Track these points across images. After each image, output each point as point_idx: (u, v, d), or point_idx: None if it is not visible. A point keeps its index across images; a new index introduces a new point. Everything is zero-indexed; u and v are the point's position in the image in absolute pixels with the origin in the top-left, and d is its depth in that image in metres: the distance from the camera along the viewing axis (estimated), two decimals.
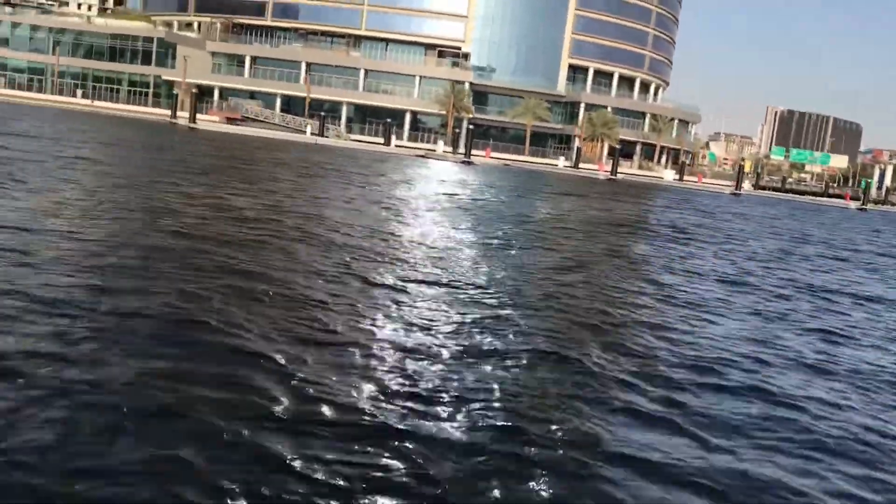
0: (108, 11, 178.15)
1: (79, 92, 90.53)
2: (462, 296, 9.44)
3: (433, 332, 7.54)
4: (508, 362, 6.85)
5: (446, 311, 8.52)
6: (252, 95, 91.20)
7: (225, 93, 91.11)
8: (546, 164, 79.67)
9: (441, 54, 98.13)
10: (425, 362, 6.57)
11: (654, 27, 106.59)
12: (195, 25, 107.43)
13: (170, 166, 25.09)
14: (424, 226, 16.44)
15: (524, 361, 6.94)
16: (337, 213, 16.54)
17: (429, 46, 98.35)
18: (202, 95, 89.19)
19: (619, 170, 72.92)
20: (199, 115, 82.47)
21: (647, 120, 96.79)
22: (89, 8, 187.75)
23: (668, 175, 79.56)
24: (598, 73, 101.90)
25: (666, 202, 40.86)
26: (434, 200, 23.35)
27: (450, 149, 75.84)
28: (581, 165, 77.14)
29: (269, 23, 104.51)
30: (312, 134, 74.98)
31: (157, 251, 10.11)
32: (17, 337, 5.96)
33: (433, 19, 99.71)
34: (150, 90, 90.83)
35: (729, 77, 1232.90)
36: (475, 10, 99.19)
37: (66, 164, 21.13)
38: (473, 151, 74.97)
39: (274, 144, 54.02)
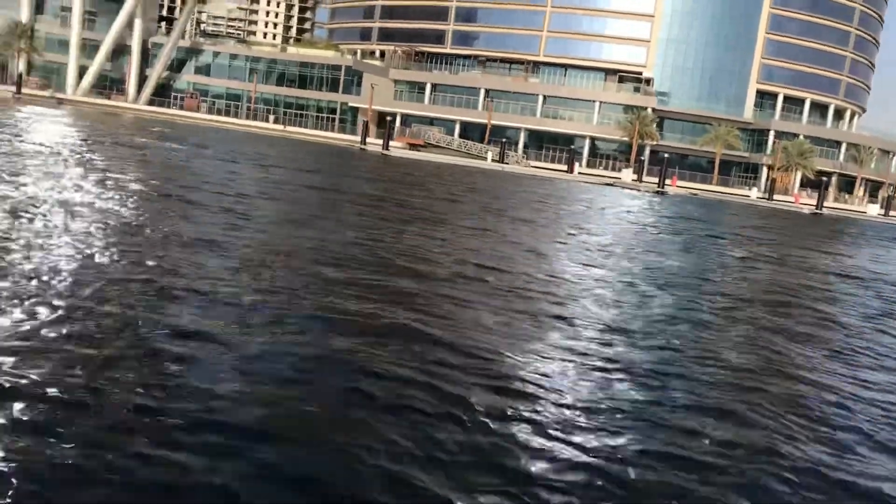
0: (294, 41, 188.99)
1: (271, 117, 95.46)
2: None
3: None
4: None
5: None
6: (431, 121, 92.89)
7: (406, 119, 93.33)
8: (735, 194, 75.73)
9: (621, 79, 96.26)
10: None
11: (852, 50, 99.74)
12: (377, 53, 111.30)
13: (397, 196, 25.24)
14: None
15: None
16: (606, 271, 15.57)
17: (608, 71, 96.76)
18: (383, 121, 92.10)
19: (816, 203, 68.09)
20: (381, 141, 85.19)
21: (842, 149, 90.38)
22: (274, 37, 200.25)
23: (872, 209, 73.57)
24: (787, 98, 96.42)
25: None
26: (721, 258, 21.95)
27: (634, 176, 73.75)
28: (774, 197, 72.72)
29: (448, 50, 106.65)
30: (493, 160, 75.08)
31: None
32: None
33: (613, 44, 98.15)
34: (337, 116, 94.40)
35: None
36: (658, 35, 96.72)
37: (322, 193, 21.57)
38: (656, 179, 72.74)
39: (463, 171, 54.25)
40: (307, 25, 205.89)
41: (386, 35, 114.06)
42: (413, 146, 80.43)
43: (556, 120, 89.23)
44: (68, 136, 32.17)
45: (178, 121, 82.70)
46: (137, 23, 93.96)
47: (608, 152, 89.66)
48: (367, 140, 77.08)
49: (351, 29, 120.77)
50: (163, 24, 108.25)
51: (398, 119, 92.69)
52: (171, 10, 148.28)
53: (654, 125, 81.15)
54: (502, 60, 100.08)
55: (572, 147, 78.97)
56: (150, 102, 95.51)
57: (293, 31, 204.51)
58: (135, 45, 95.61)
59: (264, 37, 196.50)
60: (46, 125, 37.78)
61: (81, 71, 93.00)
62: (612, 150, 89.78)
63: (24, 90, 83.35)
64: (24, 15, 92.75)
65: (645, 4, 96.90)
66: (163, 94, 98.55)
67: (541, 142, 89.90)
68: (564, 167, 78.42)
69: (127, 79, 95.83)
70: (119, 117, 69.38)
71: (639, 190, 59.83)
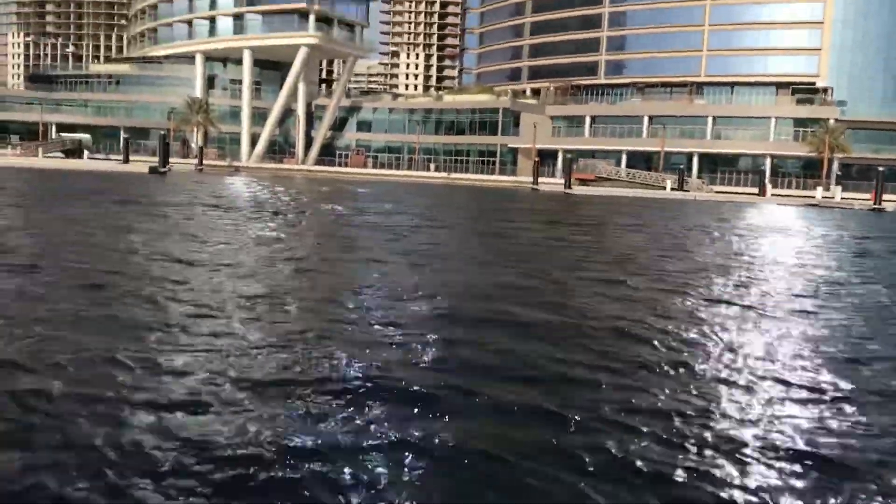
0: (436, 89, 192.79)
1: (432, 166, 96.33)
2: None
3: None
4: None
5: None
6: (593, 154, 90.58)
7: (566, 154, 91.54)
8: None
9: (794, 92, 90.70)
10: None
11: None
12: (528, 92, 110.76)
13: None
14: None
15: None
16: None
17: (779, 85, 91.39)
18: (544, 159, 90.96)
19: None
20: (549, 179, 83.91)
21: None
22: (416, 88, 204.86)
23: None
24: None
25: None
26: None
27: (827, 193, 68.52)
28: None
29: (602, 81, 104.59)
30: (672, 189, 71.90)
31: None
32: None
33: (780, 55, 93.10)
34: (497, 158, 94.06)
35: None
36: (829, 41, 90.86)
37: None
38: (855, 195, 67.26)
39: (655, 204, 51.66)
40: (446, 73, 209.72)
41: (536, 73, 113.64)
42: (584, 181, 78.43)
43: (730, 141, 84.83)
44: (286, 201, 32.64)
45: (348, 177, 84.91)
46: (301, 88, 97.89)
47: (790, 170, 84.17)
48: (542, 181, 75.96)
49: (499, 71, 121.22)
50: (322, 86, 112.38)
51: (560, 155, 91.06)
52: (328, 72, 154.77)
53: (845, 137, 75.25)
54: (662, 85, 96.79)
55: (763, 169, 74.56)
56: (318, 162, 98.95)
57: (433, 80, 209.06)
58: (300, 109, 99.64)
59: (405, 88, 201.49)
60: (259, 191, 38.74)
61: (253, 138, 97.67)
62: (795, 167, 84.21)
63: (204, 161, 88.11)
64: (198, 91, 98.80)
65: (812, 12, 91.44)
66: (327, 152, 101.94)
67: (714, 165, 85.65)
68: (748, 190, 74.08)
69: (296, 142, 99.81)
70: (302, 180, 71.69)
71: (852, 208, 55.12)
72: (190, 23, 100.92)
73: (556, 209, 41.96)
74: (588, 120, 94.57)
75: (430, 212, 33.61)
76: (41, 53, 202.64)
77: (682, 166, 77.44)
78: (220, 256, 14.25)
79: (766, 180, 70.61)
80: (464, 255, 17.50)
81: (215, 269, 12.58)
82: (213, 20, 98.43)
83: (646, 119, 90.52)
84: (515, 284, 12.61)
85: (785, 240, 25.70)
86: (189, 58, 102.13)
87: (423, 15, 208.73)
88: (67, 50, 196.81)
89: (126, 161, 72.98)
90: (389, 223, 24.62)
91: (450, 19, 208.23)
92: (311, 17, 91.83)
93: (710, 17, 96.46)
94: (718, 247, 21.74)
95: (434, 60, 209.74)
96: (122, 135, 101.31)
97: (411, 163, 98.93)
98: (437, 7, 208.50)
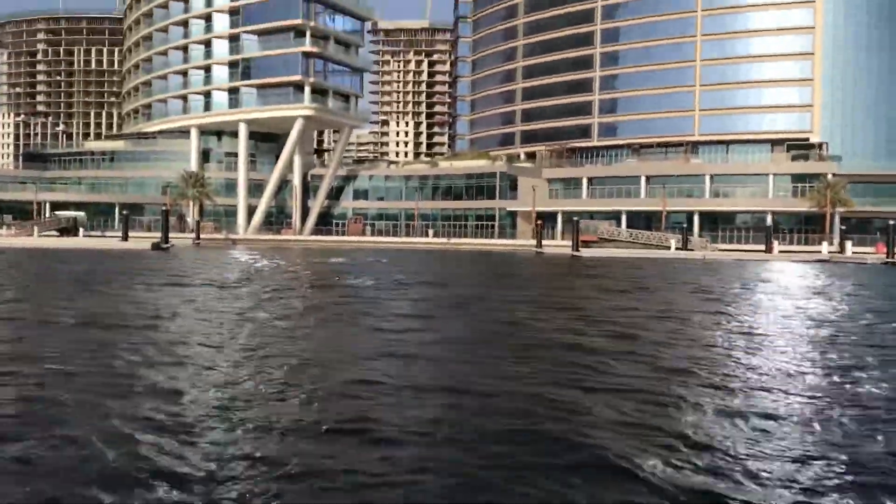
0: (426, 155, 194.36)
1: (430, 231, 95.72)
2: None
3: None
4: None
5: None
6: (591, 216, 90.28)
7: (566, 216, 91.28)
8: None
9: (789, 148, 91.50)
10: None
11: None
12: (521, 156, 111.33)
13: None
14: None
15: None
16: None
17: (774, 142, 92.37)
18: (543, 221, 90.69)
19: None
20: (550, 242, 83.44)
21: None
22: (406, 155, 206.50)
23: None
24: None
25: None
26: None
27: (832, 248, 68.26)
28: None
29: (595, 143, 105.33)
30: (677, 248, 71.41)
31: None
32: None
33: (772, 113, 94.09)
34: (496, 222, 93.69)
35: None
36: (820, 98, 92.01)
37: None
38: (858, 249, 67.20)
39: (673, 265, 50.90)
40: (435, 139, 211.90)
41: (529, 137, 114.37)
42: (586, 243, 77.89)
43: (730, 199, 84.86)
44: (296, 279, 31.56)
45: (350, 245, 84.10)
46: (297, 158, 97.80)
47: (789, 225, 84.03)
48: (546, 244, 75.44)
49: (492, 136, 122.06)
50: (315, 156, 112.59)
51: (559, 217, 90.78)
52: (319, 142, 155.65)
53: (847, 191, 75.37)
54: (658, 145, 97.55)
55: (769, 225, 74.31)
56: (315, 231, 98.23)
57: (423, 147, 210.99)
58: (296, 179, 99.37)
59: (395, 156, 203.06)
60: (273, 272, 37.66)
61: (249, 210, 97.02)
62: (794, 222, 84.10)
63: (201, 235, 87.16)
64: (194, 165, 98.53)
65: (801, 70, 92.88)
66: (324, 221, 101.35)
67: (714, 222, 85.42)
68: (751, 247, 73.74)
69: (294, 212, 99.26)
70: (304, 251, 70.73)
71: (865, 263, 54.60)
72: (185, 98, 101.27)
73: (578, 274, 41.04)
74: (585, 181, 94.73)
75: (447, 284, 32.58)
76: (31, 132, 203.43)
77: (684, 225, 77.09)
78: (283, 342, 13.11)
79: (772, 237, 70.09)
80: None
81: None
82: (208, 95, 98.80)
83: (643, 179, 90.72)
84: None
85: (842, 303, 24.75)
86: (183, 132, 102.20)
87: (411, 84, 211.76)
88: (58, 128, 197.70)
89: (125, 238, 71.84)
90: (416, 299, 23.49)
91: (437, 87, 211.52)
92: (307, 90, 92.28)
93: (700, 78, 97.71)
94: (811, 313, 20.70)
95: (423, 128, 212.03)
96: (120, 211, 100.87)
97: (409, 229, 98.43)
98: (424, 76, 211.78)
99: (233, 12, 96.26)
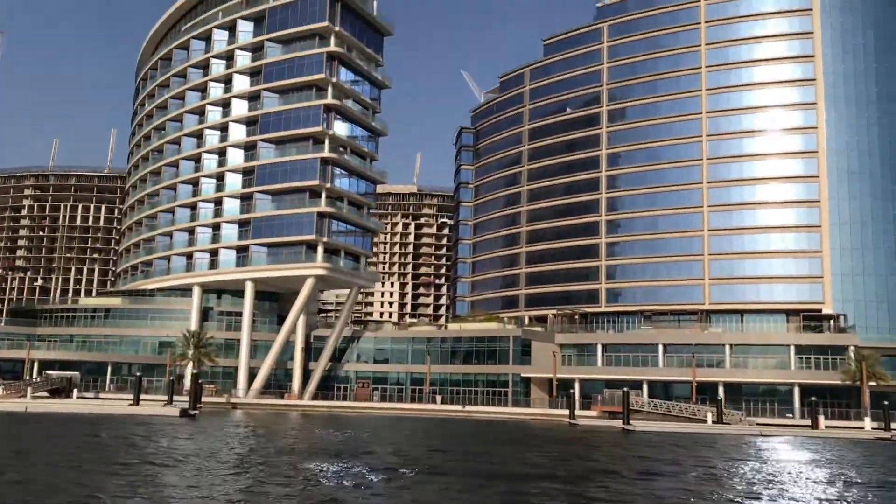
0: (410, 317, 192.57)
1: (438, 397, 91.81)
2: None
3: None
4: None
5: None
6: (606, 385, 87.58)
7: (582, 384, 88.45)
8: None
9: (804, 319, 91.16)
10: None
11: None
12: (526, 320, 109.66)
13: None
14: None
15: None
16: None
17: (790, 312, 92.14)
18: (556, 388, 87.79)
19: None
20: (566, 411, 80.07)
21: None
22: (391, 315, 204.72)
23: None
24: None
25: None
26: None
27: (874, 424, 66.01)
28: None
29: (604, 309, 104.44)
30: (714, 422, 68.54)
31: None
32: None
33: (784, 284, 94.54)
34: (510, 388, 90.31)
35: None
36: (830, 270, 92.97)
37: None
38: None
39: (738, 444, 47.89)
40: (420, 300, 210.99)
41: (534, 300, 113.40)
42: (612, 414, 74.80)
43: (755, 369, 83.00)
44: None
45: (367, 413, 79.99)
46: (301, 319, 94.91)
47: (814, 397, 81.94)
48: (557, 411, 72.16)
49: (493, 299, 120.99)
50: (318, 316, 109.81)
51: (577, 385, 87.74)
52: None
53: (880, 365, 74.08)
54: (672, 313, 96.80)
55: (814, 399, 72.09)
56: (315, 395, 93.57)
57: (408, 308, 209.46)
58: (299, 340, 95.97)
59: (381, 316, 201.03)
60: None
61: (250, 372, 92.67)
62: (819, 394, 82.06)
63: (203, 398, 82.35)
64: (194, 324, 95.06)
65: (809, 242, 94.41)
66: (325, 385, 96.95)
67: (738, 394, 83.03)
68: (791, 422, 71.27)
69: (295, 375, 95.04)
70: (325, 419, 66.55)
71: None
72: (190, 255, 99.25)
73: (644, 456, 37.86)
74: (600, 348, 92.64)
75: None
76: (8, 287, 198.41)
77: (719, 397, 74.55)
78: None
79: (819, 413, 67.78)
80: None
81: None
82: (214, 253, 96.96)
83: (660, 347, 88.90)
84: None
85: None
86: (184, 290, 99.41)
87: (398, 245, 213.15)
88: (36, 283, 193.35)
89: (137, 401, 67.10)
90: None
91: (423, 249, 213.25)
92: (320, 249, 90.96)
93: (709, 247, 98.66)
94: None
95: (409, 289, 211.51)
96: (113, 371, 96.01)
97: (415, 393, 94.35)
98: (411, 238, 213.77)
99: (246, 172, 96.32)
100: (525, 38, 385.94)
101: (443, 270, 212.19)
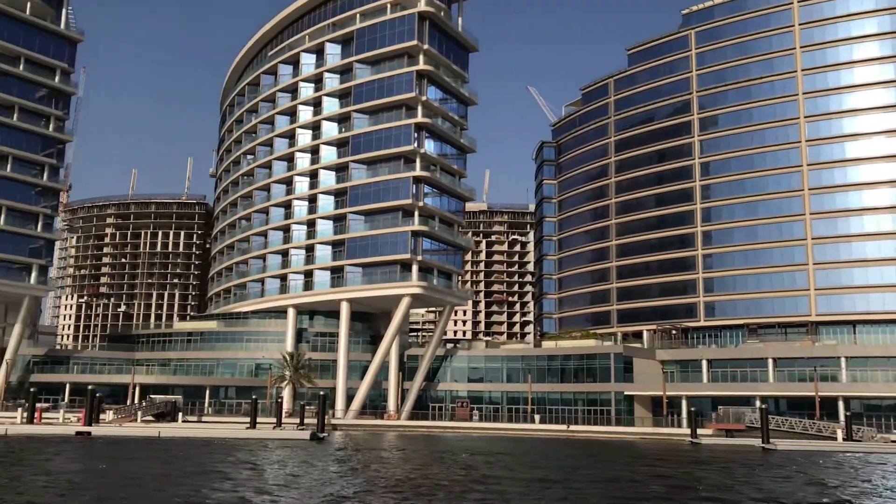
0: (484, 334, 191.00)
1: (536, 417, 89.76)
2: None
3: None
4: None
5: None
6: (714, 401, 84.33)
7: (690, 401, 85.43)
8: None
9: None
10: None
11: None
12: (618, 336, 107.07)
13: None
14: None
15: None
16: None
17: None
18: (657, 406, 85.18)
19: None
20: (675, 429, 77.44)
21: None
22: (465, 334, 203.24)
23: None
24: None
25: None
26: None
27: None
28: None
29: (702, 323, 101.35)
30: (844, 439, 65.13)
31: None
32: None
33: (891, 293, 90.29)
34: (612, 407, 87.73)
35: None
36: None
37: None
38: None
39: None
40: (494, 318, 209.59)
41: (625, 316, 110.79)
42: (729, 432, 71.92)
43: (887, 383, 78.64)
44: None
45: (474, 434, 78.69)
46: (396, 340, 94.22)
47: None
48: (664, 429, 69.55)
49: (581, 315, 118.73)
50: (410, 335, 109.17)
51: (684, 402, 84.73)
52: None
53: None
54: (779, 325, 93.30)
55: None
56: (411, 416, 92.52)
57: (482, 326, 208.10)
58: (393, 360, 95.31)
59: (454, 334, 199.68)
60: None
61: (348, 393, 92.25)
62: None
63: (306, 420, 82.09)
64: (289, 345, 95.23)
65: None
66: (420, 405, 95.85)
67: (858, 409, 79.09)
68: None
69: (390, 395, 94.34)
70: (448, 440, 65.44)
71: None
72: (284, 277, 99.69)
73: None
74: (705, 364, 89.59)
75: None
76: (92, 314, 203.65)
77: (848, 413, 71.04)
78: None
79: None
80: None
81: None
82: (309, 274, 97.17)
83: (770, 362, 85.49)
84: None
85: None
86: (276, 312, 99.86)
87: (469, 264, 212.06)
88: (119, 309, 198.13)
89: (253, 425, 66.98)
90: None
91: (496, 267, 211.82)
92: (415, 268, 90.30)
93: (813, 256, 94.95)
94: None
95: (482, 306, 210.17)
96: (211, 394, 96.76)
97: (512, 413, 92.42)
98: (482, 255, 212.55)
99: (338, 193, 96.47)
100: (580, 55, 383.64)
101: (515, 288, 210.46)
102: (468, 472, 34.31)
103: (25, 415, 68.47)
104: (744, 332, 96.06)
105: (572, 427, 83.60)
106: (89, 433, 57.42)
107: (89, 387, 63.79)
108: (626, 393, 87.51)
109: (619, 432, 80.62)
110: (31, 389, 73.82)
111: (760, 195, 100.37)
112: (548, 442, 68.34)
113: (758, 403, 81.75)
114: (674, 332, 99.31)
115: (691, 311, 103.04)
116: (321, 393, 69.53)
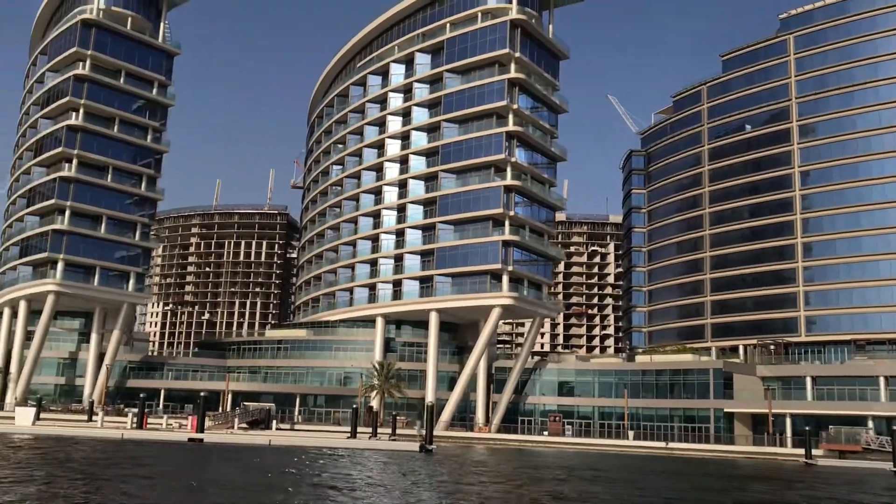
0: (563, 347, 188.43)
1: (630, 433, 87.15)
2: None
3: None
4: None
5: None
6: (819, 421, 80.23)
7: (794, 420, 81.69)
8: None
9: None
10: None
11: None
12: (713, 351, 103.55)
13: None
14: None
15: None
16: None
17: None
18: (760, 425, 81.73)
19: None
20: (782, 450, 74.14)
21: None
22: (542, 346, 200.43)
23: None
24: None
25: None
26: None
27: None
28: None
29: (804, 338, 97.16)
30: None
31: None
32: None
33: None
34: (711, 424, 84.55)
35: None
36: None
37: None
38: None
39: None
40: (573, 331, 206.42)
41: (720, 330, 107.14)
42: (842, 453, 68.23)
43: None
44: None
45: (553, 448, 76.81)
46: (485, 352, 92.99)
47: None
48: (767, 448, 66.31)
49: (672, 329, 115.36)
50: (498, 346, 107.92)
51: (789, 421, 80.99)
52: None
53: None
54: (890, 342, 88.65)
55: None
56: (500, 429, 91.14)
57: (559, 339, 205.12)
58: (482, 372, 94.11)
59: (541, 347, 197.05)
60: None
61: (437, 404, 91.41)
62: None
63: (398, 431, 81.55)
64: (378, 355, 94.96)
65: None
66: (508, 418, 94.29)
67: None
68: None
69: (478, 407, 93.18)
70: (551, 456, 63.88)
71: None
72: (373, 287, 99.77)
73: None
74: (809, 381, 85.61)
75: None
76: (177, 321, 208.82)
77: None
78: None
79: None
80: None
81: None
82: (397, 284, 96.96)
83: (881, 380, 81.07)
84: None
85: None
86: (364, 322, 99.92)
87: None
88: (203, 317, 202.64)
89: (354, 435, 66.61)
90: None
91: (574, 279, 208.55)
92: (505, 278, 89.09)
93: None
94: None
95: (560, 319, 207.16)
96: (302, 402, 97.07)
97: (604, 428, 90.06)
98: (561, 267, 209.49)
99: (427, 203, 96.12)
100: (661, 62, 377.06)
101: (595, 300, 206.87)
102: (641, 493, 32.78)
103: (135, 420, 69.79)
104: (850, 347, 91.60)
105: (672, 444, 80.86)
106: (201, 440, 57.80)
107: (202, 394, 64.28)
108: (725, 410, 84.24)
109: (721, 450, 77.53)
110: (141, 395, 75.23)
111: (864, 205, 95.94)
112: (648, 459, 66.05)
113: (870, 423, 77.90)
114: (773, 346, 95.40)
115: (788, 326, 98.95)
116: (428, 403, 68.56)
